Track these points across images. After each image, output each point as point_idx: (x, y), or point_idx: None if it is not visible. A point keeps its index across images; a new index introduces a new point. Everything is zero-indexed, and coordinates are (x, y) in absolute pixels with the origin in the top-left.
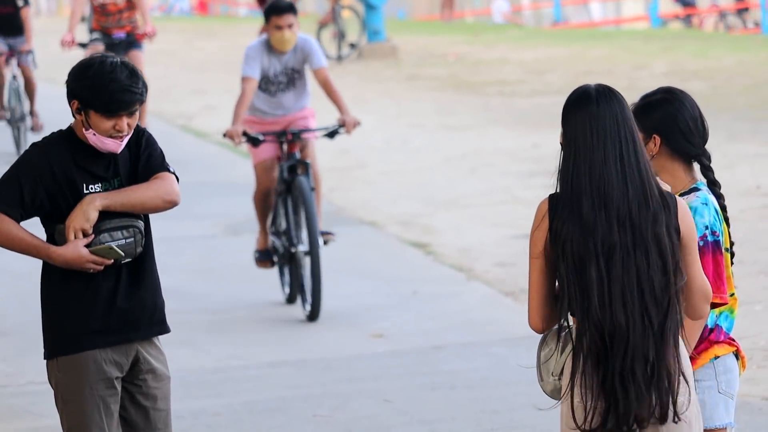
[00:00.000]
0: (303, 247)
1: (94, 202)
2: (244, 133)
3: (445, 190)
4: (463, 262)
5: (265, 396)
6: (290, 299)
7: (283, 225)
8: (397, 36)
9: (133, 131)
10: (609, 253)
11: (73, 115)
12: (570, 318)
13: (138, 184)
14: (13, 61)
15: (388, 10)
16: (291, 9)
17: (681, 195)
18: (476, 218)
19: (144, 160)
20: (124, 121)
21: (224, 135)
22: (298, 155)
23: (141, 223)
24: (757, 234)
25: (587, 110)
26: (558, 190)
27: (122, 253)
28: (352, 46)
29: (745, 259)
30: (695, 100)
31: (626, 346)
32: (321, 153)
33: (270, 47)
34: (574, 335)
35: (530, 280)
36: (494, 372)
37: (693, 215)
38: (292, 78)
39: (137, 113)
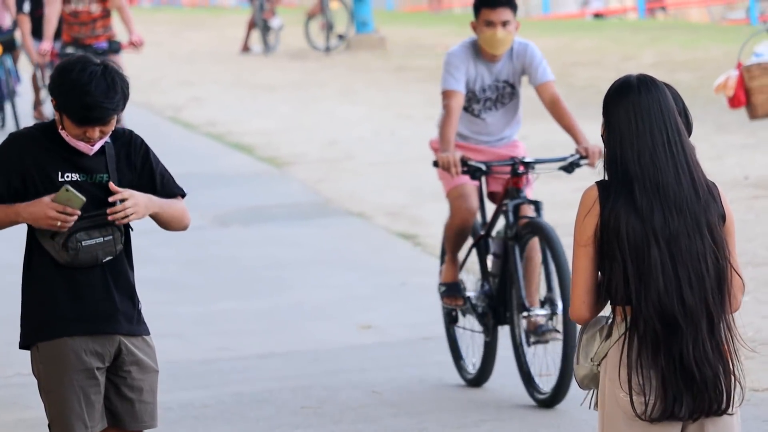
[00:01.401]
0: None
1: (156, 204)
2: (464, 163)
3: (433, 182)
4: None
5: (253, 387)
6: (477, 381)
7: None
8: (386, 27)
9: (122, 134)
10: (670, 238)
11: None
12: (615, 309)
13: (175, 200)
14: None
15: (376, 1)
16: (509, 2)
17: None
18: None
19: (161, 176)
20: (96, 131)
21: (435, 164)
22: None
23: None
24: (744, 225)
25: (630, 99)
26: (607, 180)
27: (82, 197)
28: (341, 37)
29: None
30: (682, 92)
31: (697, 330)
32: (308, 144)
33: (477, 52)
34: (629, 323)
35: (576, 268)
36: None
37: None
38: (503, 93)
39: (113, 122)
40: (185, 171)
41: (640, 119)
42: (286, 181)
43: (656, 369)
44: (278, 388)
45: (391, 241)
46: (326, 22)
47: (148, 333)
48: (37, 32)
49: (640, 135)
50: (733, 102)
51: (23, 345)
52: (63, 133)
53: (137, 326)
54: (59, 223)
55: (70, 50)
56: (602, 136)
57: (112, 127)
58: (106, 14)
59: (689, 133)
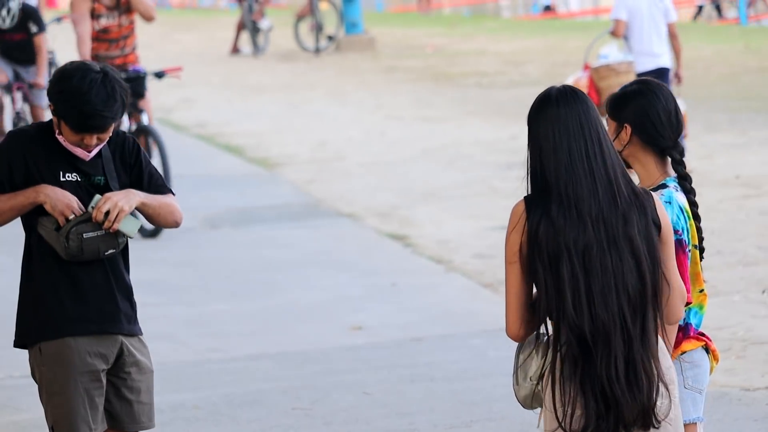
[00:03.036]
0: None
1: (138, 195)
2: None
3: (423, 182)
4: (442, 254)
5: (244, 389)
6: None
7: None
8: (375, 28)
9: (115, 135)
10: (584, 252)
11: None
12: (549, 323)
13: (163, 196)
14: (18, 95)
15: (365, 2)
16: None
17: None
18: (454, 210)
19: (150, 177)
20: (93, 138)
21: None
22: None
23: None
24: (735, 224)
25: (549, 112)
26: (530, 193)
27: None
28: (330, 38)
29: (723, 249)
30: (673, 90)
31: (609, 347)
32: (298, 145)
33: None
34: (552, 338)
35: (507, 285)
36: (473, 363)
37: None
38: None
39: (111, 128)
40: (175, 173)
41: (557, 132)
42: (276, 182)
43: (574, 385)
44: (269, 390)
45: (382, 242)
46: (316, 24)
47: (142, 333)
48: (12, 56)
49: (558, 148)
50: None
51: (20, 344)
52: (60, 138)
53: (135, 326)
54: (71, 215)
55: None
56: (527, 147)
57: (109, 134)
58: (132, 29)
59: (678, 134)
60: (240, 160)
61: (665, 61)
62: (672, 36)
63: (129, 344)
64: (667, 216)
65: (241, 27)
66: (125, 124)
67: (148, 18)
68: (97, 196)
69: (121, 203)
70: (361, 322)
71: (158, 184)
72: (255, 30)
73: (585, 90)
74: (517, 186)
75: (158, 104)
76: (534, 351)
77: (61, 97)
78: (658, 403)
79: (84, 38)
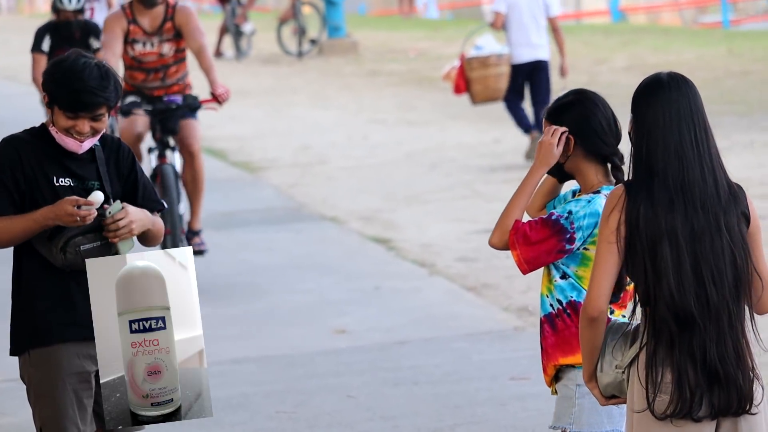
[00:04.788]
0: None
1: (147, 220)
2: None
3: (406, 186)
4: (425, 258)
5: (228, 393)
6: None
7: None
8: (358, 32)
9: (110, 140)
10: (693, 236)
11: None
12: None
13: (158, 219)
14: None
15: (348, 6)
16: None
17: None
18: (438, 213)
19: (143, 187)
20: (85, 124)
21: None
22: None
23: None
24: None
25: (661, 96)
26: (631, 177)
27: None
28: (313, 42)
29: None
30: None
31: (719, 328)
32: (281, 149)
33: None
34: (648, 321)
35: (599, 262)
36: (456, 367)
37: (569, 202)
38: None
39: (104, 118)
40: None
41: (668, 115)
42: (259, 186)
43: (672, 368)
44: (253, 393)
45: (365, 246)
46: (298, 27)
47: None
48: None
49: (668, 131)
50: (455, 90)
51: (14, 352)
52: (53, 131)
53: None
54: (78, 219)
55: (132, 98)
56: (630, 133)
57: (103, 126)
58: (180, 58)
59: (618, 141)
60: (223, 164)
61: (544, 53)
62: (554, 30)
63: None
64: (755, 211)
65: (224, 30)
66: (153, 163)
67: (200, 57)
68: (118, 204)
69: (134, 226)
70: (345, 325)
71: (152, 199)
72: (238, 33)
73: (454, 79)
74: (499, 189)
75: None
76: (622, 338)
77: (55, 78)
78: (756, 390)
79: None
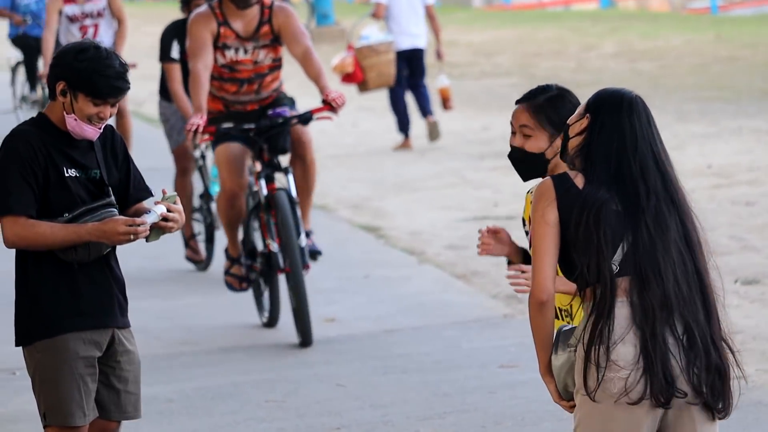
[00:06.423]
0: None
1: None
2: None
3: (395, 174)
4: (415, 246)
5: (217, 382)
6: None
7: None
8: (346, 19)
9: (105, 128)
10: (656, 226)
11: (54, 98)
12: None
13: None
14: None
15: None
16: None
17: None
18: (427, 201)
19: (135, 175)
20: (108, 109)
21: None
22: None
23: (116, 211)
24: (706, 215)
25: (630, 109)
26: (580, 165)
27: (174, 193)
28: None
29: None
30: (644, 81)
31: (693, 314)
32: None
33: None
34: (599, 303)
35: (542, 248)
36: (446, 355)
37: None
38: None
39: (117, 105)
40: (148, 165)
41: (638, 127)
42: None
43: (637, 348)
44: (242, 382)
45: (354, 234)
46: None
47: (130, 325)
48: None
49: (637, 142)
50: (351, 78)
51: (20, 343)
52: (70, 119)
53: (126, 318)
54: (132, 237)
55: (227, 123)
56: (569, 125)
57: (116, 109)
58: (276, 66)
59: None
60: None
61: (421, 42)
62: (430, 17)
63: (120, 334)
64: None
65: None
66: (263, 190)
67: (306, 62)
68: (173, 194)
69: (176, 228)
70: (334, 314)
71: (142, 188)
72: None
73: (352, 68)
74: (488, 176)
75: (129, 96)
76: (574, 330)
77: (82, 67)
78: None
79: (200, 77)
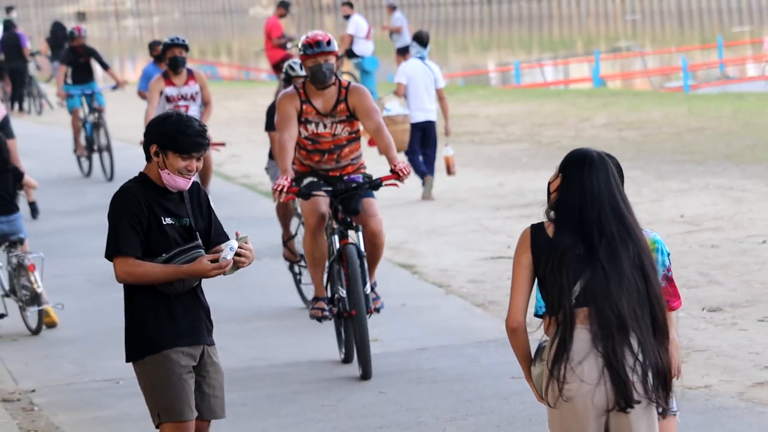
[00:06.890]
0: None
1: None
2: None
3: (427, 222)
4: (443, 280)
5: (283, 390)
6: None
7: None
8: (387, 96)
9: (192, 184)
10: (610, 263)
11: (149, 159)
12: (551, 319)
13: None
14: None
15: (379, 75)
16: None
17: None
18: (453, 244)
19: (215, 223)
20: (194, 163)
21: None
22: None
23: (203, 251)
24: (680, 255)
25: (592, 166)
26: (552, 214)
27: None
28: None
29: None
30: (629, 147)
31: (639, 332)
32: None
33: None
34: (561, 329)
35: (516, 285)
36: (468, 369)
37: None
38: None
39: (202, 159)
40: (226, 214)
41: (596, 181)
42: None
43: (595, 362)
44: (303, 390)
45: (393, 270)
46: None
47: (215, 343)
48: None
49: (596, 193)
50: (373, 142)
51: (129, 359)
52: (164, 173)
53: (212, 338)
54: (215, 273)
55: (310, 179)
56: (550, 183)
57: (201, 164)
58: (353, 138)
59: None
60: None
61: (433, 116)
62: (440, 98)
63: (208, 350)
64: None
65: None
66: (336, 244)
67: (378, 137)
68: (245, 236)
69: (247, 264)
70: (378, 335)
71: (221, 233)
72: None
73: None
74: (503, 224)
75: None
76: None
77: (167, 131)
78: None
79: (285, 146)
